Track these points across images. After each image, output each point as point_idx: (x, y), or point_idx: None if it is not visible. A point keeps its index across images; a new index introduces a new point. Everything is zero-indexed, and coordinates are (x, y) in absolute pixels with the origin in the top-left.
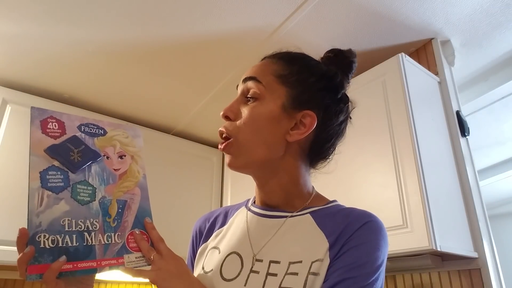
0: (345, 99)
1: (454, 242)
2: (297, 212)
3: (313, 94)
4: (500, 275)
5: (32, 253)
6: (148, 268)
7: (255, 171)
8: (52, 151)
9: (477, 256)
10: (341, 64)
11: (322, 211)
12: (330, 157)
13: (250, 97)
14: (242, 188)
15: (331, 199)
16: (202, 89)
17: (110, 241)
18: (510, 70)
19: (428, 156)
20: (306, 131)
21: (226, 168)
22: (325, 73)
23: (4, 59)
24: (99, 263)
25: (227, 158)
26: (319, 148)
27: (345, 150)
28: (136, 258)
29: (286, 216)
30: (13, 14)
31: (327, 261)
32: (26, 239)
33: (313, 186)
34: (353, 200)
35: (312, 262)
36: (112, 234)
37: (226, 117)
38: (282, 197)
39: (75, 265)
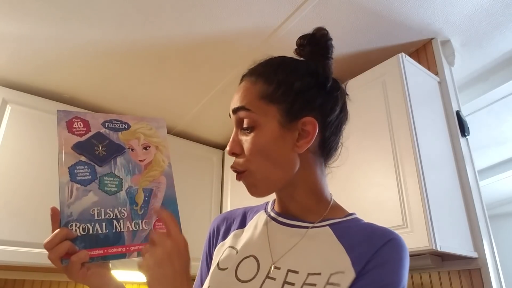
0: (336, 86)
1: (454, 242)
2: (317, 223)
3: (304, 98)
4: (500, 275)
5: (67, 247)
6: None
7: (278, 192)
8: (78, 147)
9: (477, 256)
10: (317, 48)
11: (341, 224)
12: (340, 146)
13: (246, 127)
14: (242, 188)
15: (350, 211)
16: (202, 89)
17: (138, 228)
18: (510, 70)
19: (428, 156)
20: (311, 137)
21: (226, 168)
22: (306, 70)
23: (4, 59)
24: (128, 248)
25: (247, 188)
26: (330, 144)
27: (345, 150)
28: None
29: (306, 227)
30: (13, 14)
31: (351, 275)
32: (58, 217)
33: (331, 194)
34: (353, 200)
35: (331, 274)
36: (140, 221)
37: (233, 154)
38: (303, 207)
39: (105, 250)
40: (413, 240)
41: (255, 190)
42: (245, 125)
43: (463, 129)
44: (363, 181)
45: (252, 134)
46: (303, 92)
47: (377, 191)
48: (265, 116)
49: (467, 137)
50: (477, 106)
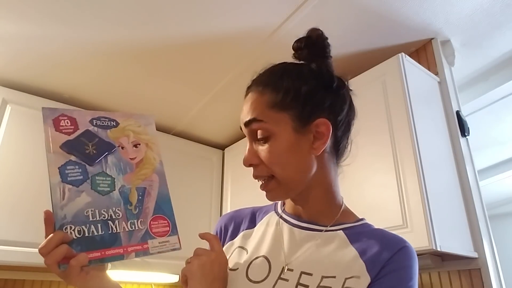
0: (341, 84)
1: (454, 242)
2: (330, 226)
3: (313, 101)
4: (500, 275)
5: (64, 251)
6: (171, 252)
7: (295, 195)
8: (67, 146)
9: (477, 256)
10: (315, 49)
11: (353, 229)
12: (350, 143)
13: (261, 138)
14: (242, 188)
15: (359, 217)
16: (202, 89)
17: (134, 228)
18: (510, 70)
19: (428, 156)
20: (326, 138)
21: (226, 168)
22: (310, 73)
23: (4, 59)
24: (125, 249)
25: (267, 192)
26: (342, 142)
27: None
28: (159, 243)
29: (320, 230)
30: (12, 14)
31: (366, 280)
32: (51, 220)
33: (342, 197)
34: (353, 200)
35: (346, 279)
36: (135, 220)
37: (251, 165)
38: (316, 210)
39: (103, 252)
40: (413, 240)
41: (275, 194)
42: (259, 136)
43: (463, 129)
44: (363, 181)
45: (268, 143)
46: (311, 95)
47: (377, 191)
48: (277, 124)
49: (467, 137)
50: (477, 106)
